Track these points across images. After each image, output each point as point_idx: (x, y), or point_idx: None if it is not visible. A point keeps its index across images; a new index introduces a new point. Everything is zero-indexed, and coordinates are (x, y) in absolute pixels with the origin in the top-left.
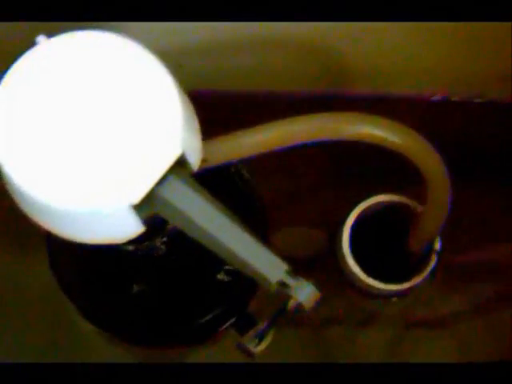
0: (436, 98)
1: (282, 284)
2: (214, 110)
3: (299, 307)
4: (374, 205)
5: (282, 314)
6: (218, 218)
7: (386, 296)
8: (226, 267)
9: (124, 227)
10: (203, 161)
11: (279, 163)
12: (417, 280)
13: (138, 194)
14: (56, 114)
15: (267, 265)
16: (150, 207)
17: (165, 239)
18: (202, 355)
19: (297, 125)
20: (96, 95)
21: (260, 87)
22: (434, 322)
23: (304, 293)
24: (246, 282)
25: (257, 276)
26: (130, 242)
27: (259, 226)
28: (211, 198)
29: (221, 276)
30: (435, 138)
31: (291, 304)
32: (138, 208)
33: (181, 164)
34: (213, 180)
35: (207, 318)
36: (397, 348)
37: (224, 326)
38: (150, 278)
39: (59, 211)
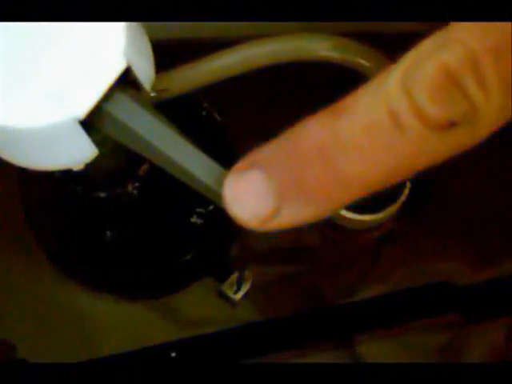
0: None
1: None
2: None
3: None
4: None
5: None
6: (169, 136)
7: (362, 230)
8: (198, 210)
9: (76, 149)
10: (164, 90)
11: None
12: (391, 209)
13: (84, 108)
14: None
15: (215, 177)
16: (101, 127)
17: (137, 184)
18: (182, 305)
19: (260, 47)
20: None
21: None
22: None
23: None
24: (222, 227)
25: (210, 193)
26: (102, 188)
27: None
28: (163, 118)
29: (193, 219)
30: None
31: None
32: (89, 128)
33: (133, 85)
34: (183, 125)
35: (182, 262)
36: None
37: (202, 273)
38: (123, 223)
39: (5, 133)
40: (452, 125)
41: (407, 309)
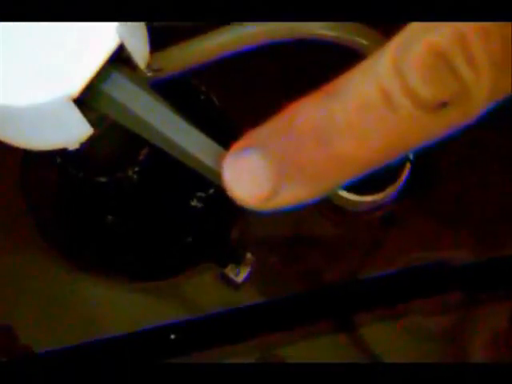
0: None
1: None
2: None
3: None
4: None
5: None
6: (164, 113)
7: (363, 212)
8: (198, 194)
9: (70, 128)
10: (159, 70)
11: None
12: (391, 190)
13: (77, 86)
14: None
15: (210, 154)
16: (95, 106)
17: (137, 169)
18: (184, 288)
19: (254, 25)
20: None
21: None
22: None
23: None
24: (222, 210)
25: (207, 172)
26: (103, 173)
27: None
28: (159, 97)
29: (193, 203)
30: None
31: None
32: (83, 106)
33: (127, 64)
34: (182, 109)
35: (183, 245)
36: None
37: (203, 257)
38: (124, 208)
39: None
40: (443, 105)
41: (408, 288)
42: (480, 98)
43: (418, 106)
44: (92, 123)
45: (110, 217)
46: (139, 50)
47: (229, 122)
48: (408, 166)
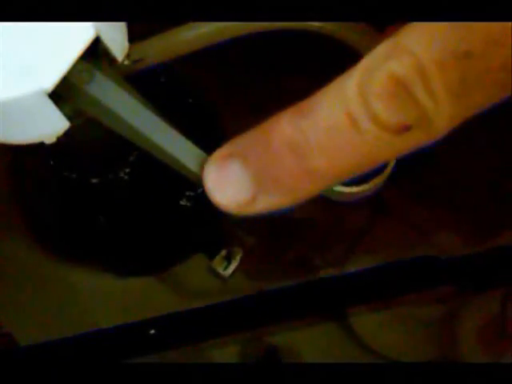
0: None
1: None
2: None
3: None
4: None
5: None
6: (138, 108)
7: (351, 202)
8: (188, 193)
9: (46, 122)
10: (139, 61)
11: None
12: (377, 181)
13: (52, 80)
14: None
15: (190, 155)
16: (71, 100)
17: (128, 170)
18: (174, 282)
19: None
20: None
21: None
22: None
23: None
24: (211, 208)
25: (182, 169)
26: (95, 175)
27: None
28: (135, 92)
29: (183, 202)
30: None
31: None
32: (59, 100)
33: (105, 56)
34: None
35: (173, 241)
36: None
37: (192, 250)
38: (115, 208)
39: None
40: (407, 128)
41: (398, 282)
42: (441, 123)
43: (383, 130)
44: (69, 117)
45: (102, 217)
46: (117, 42)
47: (219, 124)
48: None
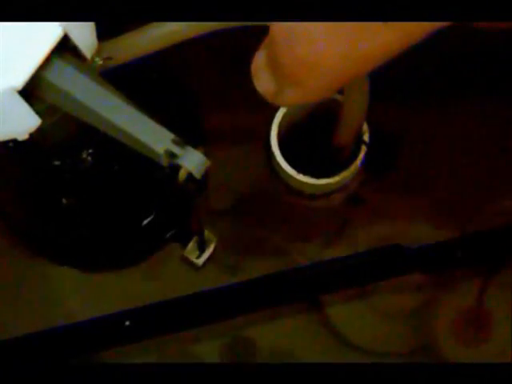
0: None
1: (170, 154)
2: None
3: (190, 178)
4: None
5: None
6: (103, 95)
7: (324, 194)
8: (155, 174)
9: (18, 119)
10: (108, 59)
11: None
12: (348, 173)
13: (21, 78)
14: None
15: (152, 135)
16: (42, 96)
17: (91, 151)
18: (146, 274)
19: None
20: None
21: None
22: None
23: (192, 161)
24: (178, 193)
25: (145, 149)
26: (57, 157)
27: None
28: (107, 84)
29: (157, 175)
30: None
31: (181, 175)
32: (31, 98)
33: (74, 54)
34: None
35: (144, 225)
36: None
37: (164, 237)
38: (80, 190)
39: None
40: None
41: (366, 270)
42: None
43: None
44: (41, 113)
45: (65, 200)
46: (85, 40)
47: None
48: (364, 149)
